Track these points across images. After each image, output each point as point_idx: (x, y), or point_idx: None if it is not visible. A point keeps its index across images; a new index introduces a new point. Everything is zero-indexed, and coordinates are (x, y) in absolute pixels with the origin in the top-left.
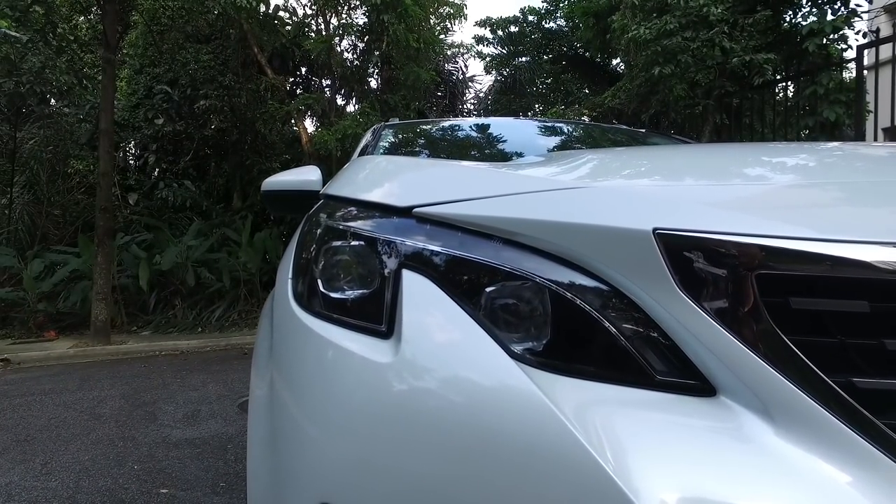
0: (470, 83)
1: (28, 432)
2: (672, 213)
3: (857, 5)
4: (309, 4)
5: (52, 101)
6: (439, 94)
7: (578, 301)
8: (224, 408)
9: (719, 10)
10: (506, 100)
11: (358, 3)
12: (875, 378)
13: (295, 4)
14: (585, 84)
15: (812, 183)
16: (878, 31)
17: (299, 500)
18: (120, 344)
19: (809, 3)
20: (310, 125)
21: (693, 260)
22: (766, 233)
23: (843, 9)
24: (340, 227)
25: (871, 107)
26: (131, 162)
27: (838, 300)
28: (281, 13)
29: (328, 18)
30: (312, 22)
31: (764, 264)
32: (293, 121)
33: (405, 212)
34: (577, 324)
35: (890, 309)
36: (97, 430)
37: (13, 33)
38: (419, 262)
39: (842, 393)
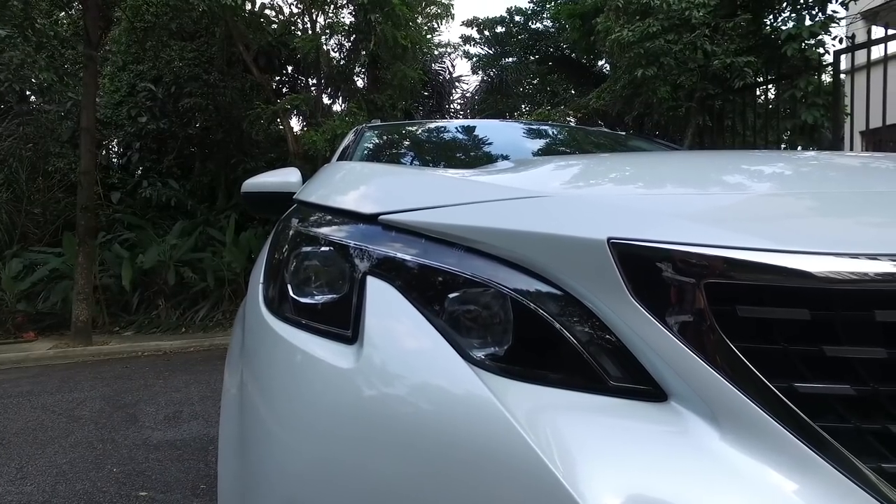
0: (457, 83)
1: (4, 436)
2: (626, 222)
3: (834, 11)
4: (295, 3)
5: (32, 97)
6: (426, 93)
7: (536, 309)
8: (206, 409)
9: (701, 14)
10: (492, 100)
11: (345, 1)
12: (815, 383)
13: (281, 3)
14: (572, 85)
15: (766, 194)
16: (853, 36)
17: (266, 502)
18: (101, 345)
19: (789, 9)
20: (295, 124)
21: (644, 269)
22: (714, 242)
23: (820, 14)
24: (310, 232)
25: (848, 110)
26: (114, 160)
27: (781, 308)
28: (267, 11)
29: (315, 17)
30: (299, 20)
31: (712, 273)
32: (278, 120)
33: (371, 219)
34: (535, 331)
35: (829, 317)
36: (76, 432)
37: None
38: (383, 269)
39: (783, 397)
